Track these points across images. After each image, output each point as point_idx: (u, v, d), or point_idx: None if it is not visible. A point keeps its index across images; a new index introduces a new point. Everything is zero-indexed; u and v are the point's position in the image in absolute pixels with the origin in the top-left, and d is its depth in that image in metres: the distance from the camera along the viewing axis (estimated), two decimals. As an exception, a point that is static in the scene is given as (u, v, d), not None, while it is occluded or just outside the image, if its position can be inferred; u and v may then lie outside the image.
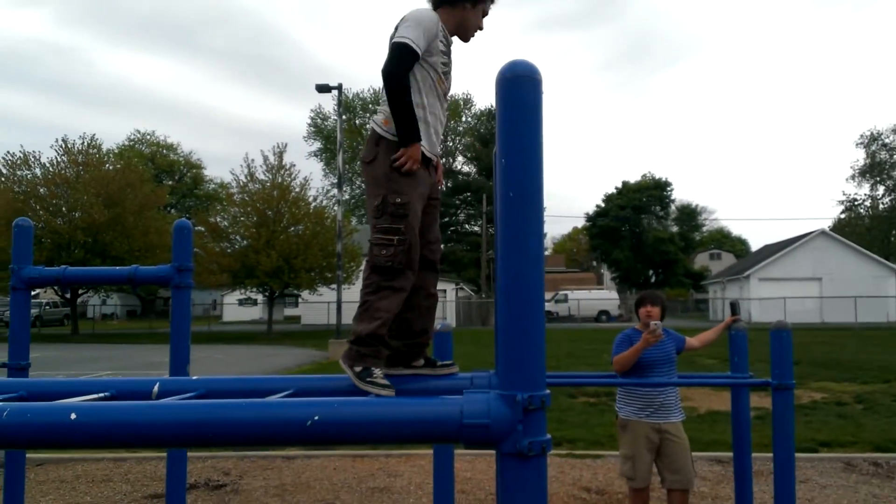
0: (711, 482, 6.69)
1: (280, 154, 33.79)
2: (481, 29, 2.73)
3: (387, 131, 2.47)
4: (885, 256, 46.17)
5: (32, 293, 4.05)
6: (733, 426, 4.40)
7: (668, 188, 71.10)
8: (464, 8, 2.63)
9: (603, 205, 70.64)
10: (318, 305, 39.05)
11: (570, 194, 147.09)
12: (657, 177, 71.53)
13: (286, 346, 26.58)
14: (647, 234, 67.60)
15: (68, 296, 36.78)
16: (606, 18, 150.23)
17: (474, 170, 63.79)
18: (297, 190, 33.77)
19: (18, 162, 33.09)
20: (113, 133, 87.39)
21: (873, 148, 61.20)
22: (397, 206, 2.39)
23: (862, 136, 63.61)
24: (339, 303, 24.10)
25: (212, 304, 58.81)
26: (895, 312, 41.09)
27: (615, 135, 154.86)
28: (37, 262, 3.88)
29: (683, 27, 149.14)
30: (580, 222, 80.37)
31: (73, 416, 1.57)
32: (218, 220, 34.86)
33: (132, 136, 72.49)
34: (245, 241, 32.75)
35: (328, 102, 70.92)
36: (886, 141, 60.60)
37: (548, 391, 1.59)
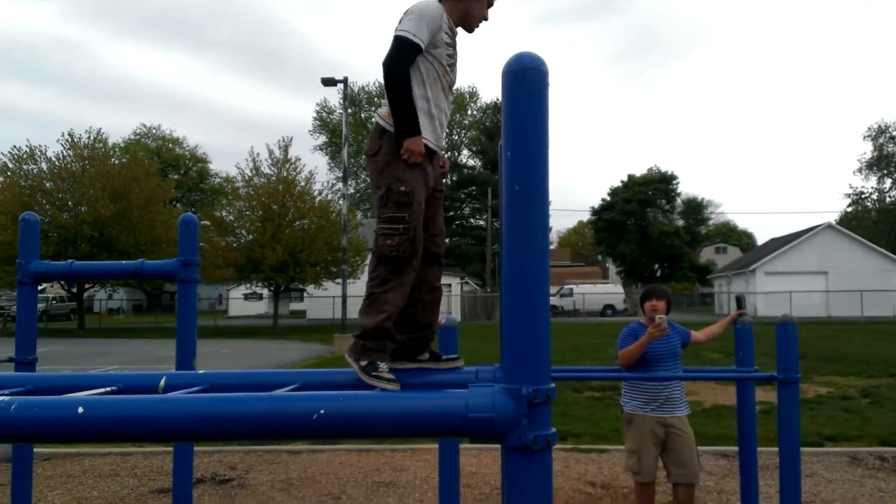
0: (717, 476, 6.68)
1: (285, 148, 33.87)
2: (486, 20, 2.71)
3: (391, 124, 2.46)
4: (892, 250, 45.88)
5: (39, 288, 4.06)
6: (739, 420, 4.39)
7: (674, 182, 71.05)
8: None
9: (608, 198, 70.61)
10: (323, 300, 39.09)
11: (575, 188, 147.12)
12: (663, 170, 71.59)
13: (292, 341, 26.65)
14: (653, 228, 67.54)
15: (74, 290, 36.96)
16: (613, 11, 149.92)
17: (479, 163, 63.79)
18: (303, 184, 33.83)
19: (25, 156, 33.18)
20: (119, 127, 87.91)
21: (881, 141, 60.88)
22: (401, 195, 2.38)
23: (869, 128, 63.48)
24: (344, 297, 24.13)
25: (217, 299, 58.97)
26: (902, 306, 40.94)
27: (621, 128, 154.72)
28: (43, 257, 3.89)
29: (690, 20, 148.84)
30: (585, 216, 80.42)
31: (80, 409, 1.58)
32: (223, 214, 34.96)
33: (138, 130, 72.79)
34: (250, 236, 32.85)
35: (333, 96, 71.06)
36: (894, 134, 60.26)
37: (553, 385, 1.59)
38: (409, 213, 2.38)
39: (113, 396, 1.88)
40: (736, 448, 4.57)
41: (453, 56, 2.59)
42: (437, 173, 2.62)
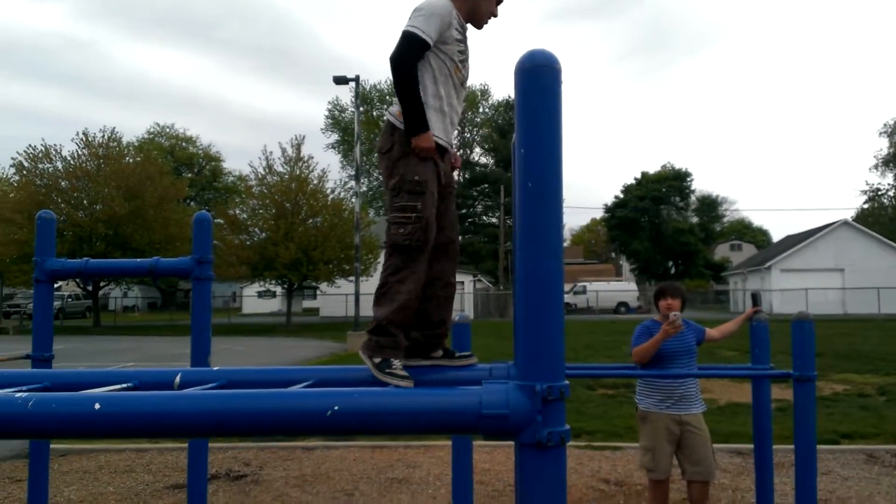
0: (732, 474, 6.65)
1: (298, 146, 33.92)
2: (495, 16, 2.70)
3: (402, 122, 2.47)
4: (909, 247, 45.46)
5: (55, 285, 4.10)
6: (754, 418, 4.36)
7: (688, 178, 70.65)
8: None
9: (622, 196, 70.32)
10: (336, 297, 39.17)
11: (588, 185, 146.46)
12: (677, 167, 71.21)
13: (305, 338, 26.73)
14: (667, 225, 67.21)
15: (90, 288, 37.26)
16: (623, 8, 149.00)
17: (492, 161, 63.70)
18: (315, 182, 33.89)
19: (40, 155, 33.43)
20: (132, 126, 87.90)
21: (897, 137, 60.28)
22: (414, 184, 2.39)
23: (885, 125, 62.73)
24: (357, 295, 24.18)
25: (231, 297, 59.27)
26: (919, 303, 40.53)
27: (634, 125, 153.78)
28: (59, 255, 3.92)
29: (702, 15, 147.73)
30: (599, 213, 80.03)
31: (97, 405, 1.59)
32: (237, 212, 35.09)
33: (151, 129, 73.16)
34: (264, 234, 32.93)
35: (346, 94, 70.89)
36: (910, 130, 59.67)
37: (567, 382, 1.59)
38: (422, 201, 2.38)
39: (129, 393, 1.90)
40: (751, 445, 4.54)
41: (464, 52, 2.59)
42: (447, 169, 2.62)
